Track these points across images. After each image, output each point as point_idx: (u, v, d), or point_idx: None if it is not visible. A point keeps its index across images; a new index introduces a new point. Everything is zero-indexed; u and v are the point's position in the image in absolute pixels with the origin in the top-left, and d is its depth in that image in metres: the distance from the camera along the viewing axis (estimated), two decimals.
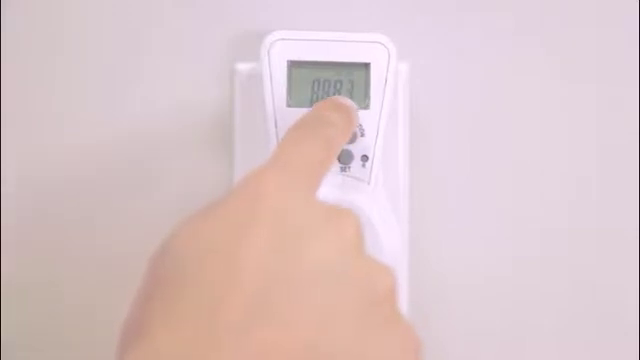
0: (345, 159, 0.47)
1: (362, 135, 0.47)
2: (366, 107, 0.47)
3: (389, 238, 0.49)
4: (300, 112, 0.47)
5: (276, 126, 0.47)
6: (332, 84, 0.47)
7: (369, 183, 0.47)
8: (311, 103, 0.47)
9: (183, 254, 0.30)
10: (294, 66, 0.47)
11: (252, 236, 0.30)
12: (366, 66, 0.47)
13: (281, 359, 0.28)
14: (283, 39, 0.47)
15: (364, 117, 0.47)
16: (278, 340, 0.28)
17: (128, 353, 0.28)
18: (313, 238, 0.31)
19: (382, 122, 0.47)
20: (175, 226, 0.31)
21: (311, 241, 0.31)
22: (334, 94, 0.47)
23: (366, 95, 0.47)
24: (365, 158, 0.47)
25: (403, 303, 0.51)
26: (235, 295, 0.29)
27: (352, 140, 0.47)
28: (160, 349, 0.28)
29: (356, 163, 0.47)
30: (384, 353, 0.31)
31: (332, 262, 0.31)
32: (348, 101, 0.45)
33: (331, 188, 0.47)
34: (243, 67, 0.51)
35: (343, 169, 0.47)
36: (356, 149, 0.47)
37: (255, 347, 0.28)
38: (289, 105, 0.47)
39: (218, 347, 0.28)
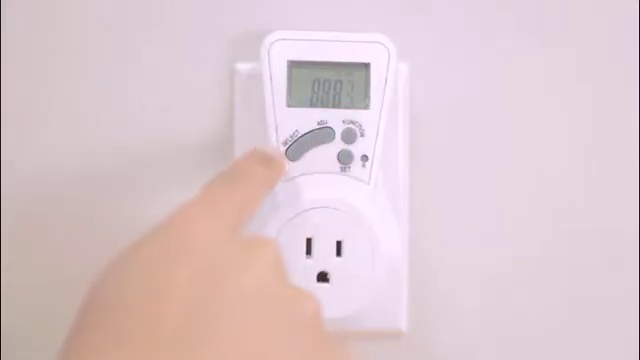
0: (345, 159, 0.47)
1: (362, 135, 0.47)
2: (366, 107, 0.47)
3: (389, 238, 0.49)
4: (300, 112, 0.47)
5: (276, 126, 0.47)
6: (332, 84, 0.47)
7: (369, 183, 0.47)
8: (311, 103, 0.47)
9: (116, 285, 0.32)
10: (294, 66, 0.47)
11: (177, 267, 0.32)
12: (366, 66, 0.47)
13: None
14: (283, 39, 0.47)
15: (364, 117, 0.47)
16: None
17: None
18: (233, 267, 0.33)
19: (382, 122, 0.47)
20: (112, 257, 0.33)
21: (232, 270, 0.33)
22: (334, 94, 0.47)
23: (366, 95, 0.47)
24: (365, 158, 0.47)
25: (402, 303, 0.51)
26: (163, 322, 0.30)
27: (352, 140, 0.47)
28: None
29: (356, 163, 0.47)
30: None
31: (253, 290, 0.33)
32: (275, 151, 0.45)
33: (331, 188, 0.47)
34: (243, 67, 0.51)
35: (343, 169, 0.47)
36: (356, 149, 0.47)
37: None
38: (289, 105, 0.47)
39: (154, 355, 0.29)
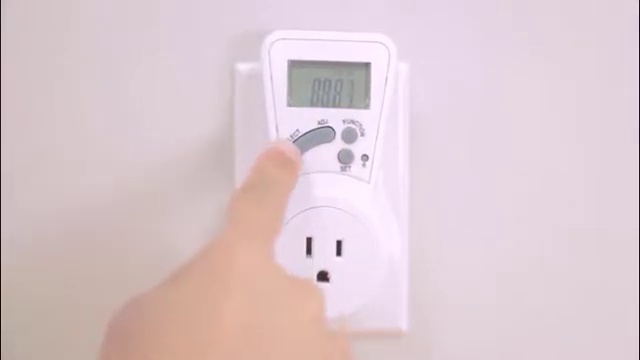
0: (345, 159, 0.47)
1: (362, 135, 0.47)
2: (366, 107, 0.47)
3: (389, 238, 0.49)
4: (301, 111, 0.47)
5: (277, 126, 0.47)
6: (332, 84, 0.47)
7: (369, 183, 0.47)
8: (312, 102, 0.47)
9: (153, 319, 0.32)
10: (294, 66, 0.47)
11: (226, 305, 0.32)
12: (366, 66, 0.47)
13: None
14: (283, 39, 0.47)
15: (364, 117, 0.47)
16: None
17: None
18: (283, 311, 0.34)
19: (382, 122, 0.47)
20: (146, 292, 0.33)
21: (281, 314, 0.34)
22: (334, 94, 0.47)
23: (366, 95, 0.47)
24: (365, 158, 0.47)
25: (402, 303, 0.51)
26: (218, 348, 0.31)
27: (352, 140, 0.47)
28: None
29: (356, 163, 0.47)
30: None
31: (299, 336, 0.34)
32: (290, 148, 0.45)
33: (332, 187, 0.47)
34: (243, 67, 0.51)
35: (343, 169, 0.47)
36: (356, 149, 0.47)
37: None
38: (289, 105, 0.47)
39: None
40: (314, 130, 0.47)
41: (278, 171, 0.42)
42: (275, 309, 0.33)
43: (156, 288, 0.33)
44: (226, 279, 0.33)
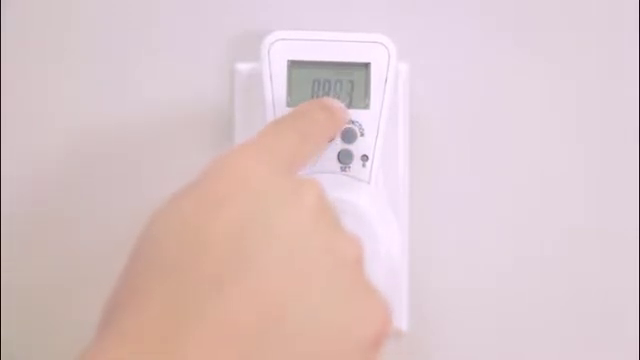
0: (345, 159, 0.47)
1: (362, 135, 0.47)
2: (366, 107, 0.47)
3: (389, 238, 0.49)
4: None
5: None
6: (332, 84, 0.47)
7: (369, 183, 0.47)
8: None
9: (163, 229, 0.33)
10: (294, 66, 0.47)
11: (223, 211, 0.32)
12: (366, 66, 0.47)
13: (250, 316, 0.30)
14: (283, 39, 0.47)
15: (364, 117, 0.47)
16: (249, 296, 0.30)
17: (121, 314, 0.30)
18: (278, 210, 0.33)
19: (382, 122, 0.47)
20: (162, 202, 0.34)
21: (276, 213, 0.33)
22: (334, 94, 0.47)
23: (366, 95, 0.47)
24: (365, 158, 0.47)
25: (402, 303, 0.51)
26: (205, 261, 0.31)
27: (352, 140, 0.47)
28: (150, 309, 0.30)
29: (356, 163, 0.47)
30: (349, 318, 0.33)
31: (297, 229, 0.33)
32: (336, 102, 0.45)
33: (332, 188, 0.47)
34: (243, 67, 0.51)
35: (343, 169, 0.47)
36: (356, 149, 0.47)
37: (228, 302, 0.30)
38: (289, 105, 0.47)
39: (197, 301, 0.30)
40: None
41: (317, 111, 0.42)
42: (270, 210, 0.33)
43: (171, 197, 0.34)
44: (222, 189, 0.33)
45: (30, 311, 0.52)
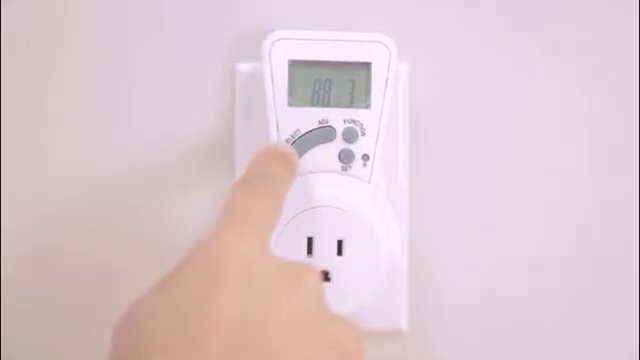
0: (346, 158, 0.47)
1: (363, 134, 0.47)
2: (367, 107, 0.47)
3: (389, 238, 0.49)
4: (301, 111, 0.47)
5: (277, 125, 0.47)
6: (333, 83, 0.47)
7: (370, 182, 0.47)
8: (312, 102, 0.47)
9: (151, 323, 0.31)
10: (295, 66, 0.47)
11: (219, 299, 0.32)
12: (367, 65, 0.47)
13: None
14: (284, 39, 0.47)
15: (365, 116, 0.47)
16: None
17: None
18: (278, 297, 0.33)
19: (383, 121, 0.47)
20: (143, 294, 0.33)
21: (277, 300, 0.33)
22: (335, 93, 0.47)
23: (367, 94, 0.47)
24: (366, 157, 0.47)
25: (402, 303, 0.51)
26: (216, 342, 0.30)
27: (353, 139, 0.47)
28: None
29: (357, 162, 0.47)
30: None
31: (299, 319, 0.33)
32: (286, 146, 0.45)
33: (332, 187, 0.47)
34: (243, 67, 0.51)
35: (344, 168, 0.47)
36: (357, 148, 0.47)
37: None
38: (290, 105, 0.47)
39: None
40: (315, 130, 0.47)
41: (276, 165, 0.42)
42: (270, 296, 0.33)
43: (151, 290, 0.33)
44: (218, 272, 0.33)
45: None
